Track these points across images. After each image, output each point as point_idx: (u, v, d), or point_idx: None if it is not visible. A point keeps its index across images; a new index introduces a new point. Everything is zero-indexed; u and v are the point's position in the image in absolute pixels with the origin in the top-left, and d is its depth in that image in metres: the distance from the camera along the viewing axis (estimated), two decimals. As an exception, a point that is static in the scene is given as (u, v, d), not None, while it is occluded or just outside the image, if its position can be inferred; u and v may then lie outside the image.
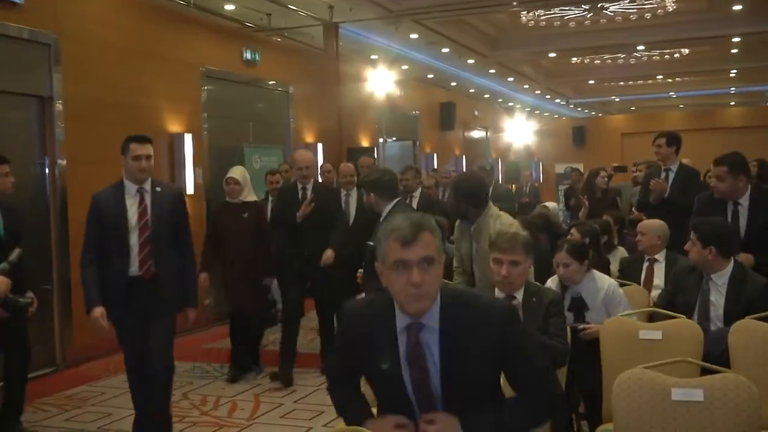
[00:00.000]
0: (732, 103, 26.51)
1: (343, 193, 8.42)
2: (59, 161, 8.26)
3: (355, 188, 8.41)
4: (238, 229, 7.18)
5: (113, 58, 9.13)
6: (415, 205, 8.56)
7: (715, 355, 4.14)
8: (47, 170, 8.23)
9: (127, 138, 5.15)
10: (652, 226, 5.91)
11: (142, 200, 5.04)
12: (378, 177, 6.08)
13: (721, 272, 4.71)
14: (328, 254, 7.02)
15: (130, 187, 5.05)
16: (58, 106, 8.37)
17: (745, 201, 5.53)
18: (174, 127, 10.25)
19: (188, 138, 10.28)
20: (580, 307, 4.82)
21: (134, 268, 4.98)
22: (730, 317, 4.48)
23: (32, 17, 8.03)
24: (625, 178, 14.40)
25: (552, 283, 4.95)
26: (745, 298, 4.62)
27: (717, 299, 4.69)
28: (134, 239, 4.98)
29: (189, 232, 5.39)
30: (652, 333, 4.13)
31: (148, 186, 5.08)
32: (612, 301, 4.83)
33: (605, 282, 4.90)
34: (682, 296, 4.88)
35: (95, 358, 8.06)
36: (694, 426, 2.93)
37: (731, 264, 4.72)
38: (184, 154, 10.21)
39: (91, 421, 6.27)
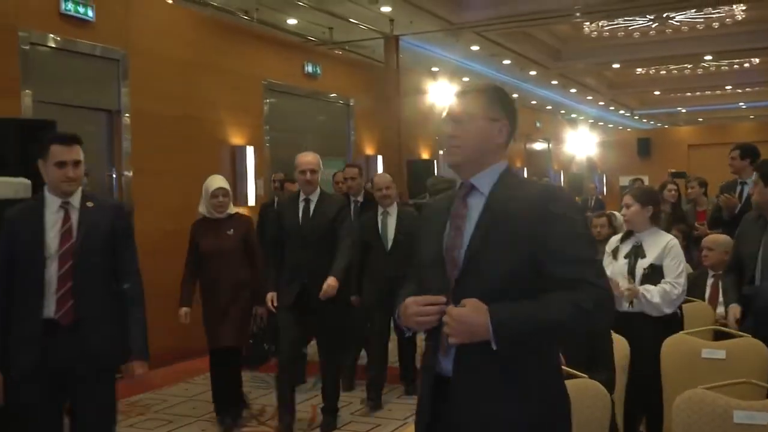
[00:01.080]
0: None
1: (380, 210, 6.87)
2: (126, 172, 8.54)
3: (395, 204, 6.96)
4: (223, 249, 5.98)
5: (178, 72, 9.40)
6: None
7: None
8: (115, 181, 8.52)
9: (48, 138, 4.02)
10: (720, 241, 5.77)
11: (66, 219, 3.83)
12: (447, 188, 5.68)
13: None
14: (330, 284, 5.55)
15: (53, 202, 3.85)
16: (126, 119, 8.66)
17: None
18: (236, 139, 10.50)
19: (250, 150, 10.54)
20: (636, 254, 4.66)
21: (50, 310, 3.74)
22: None
23: (103, 34, 8.35)
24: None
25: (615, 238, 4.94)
26: None
27: None
28: (52, 271, 3.78)
29: (134, 260, 4.09)
30: (715, 352, 3.99)
31: (76, 201, 3.88)
32: (669, 254, 4.64)
33: (668, 237, 4.78)
34: (746, 247, 4.69)
35: (157, 367, 8.28)
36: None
37: None
38: (246, 166, 10.46)
39: (154, 428, 6.41)
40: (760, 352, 3.91)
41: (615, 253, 4.73)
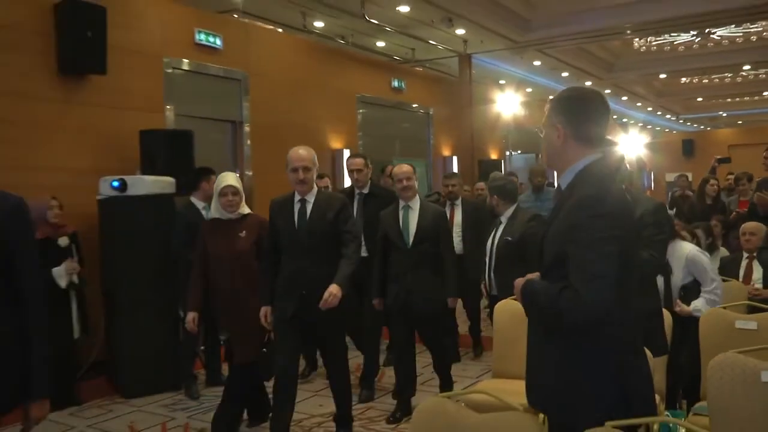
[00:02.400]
0: None
1: (401, 204, 5.46)
2: (247, 172, 8.93)
3: (417, 198, 5.55)
4: (235, 253, 4.73)
5: (288, 89, 9.74)
6: (459, 211, 6.96)
7: None
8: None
9: None
10: (761, 227, 5.73)
11: None
12: (504, 184, 5.63)
13: None
14: (332, 292, 4.31)
15: None
16: (246, 128, 9.07)
17: None
18: (335, 144, 10.82)
19: (346, 153, 10.79)
20: (665, 272, 4.51)
21: None
22: None
23: (228, 59, 8.76)
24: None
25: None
26: None
27: None
28: None
29: (32, 269, 2.82)
30: (747, 323, 3.95)
31: None
32: (695, 266, 4.64)
33: (687, 247, 4.73)
34: None
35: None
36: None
37: None
38: (343, 167, 10.79)
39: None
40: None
41: None
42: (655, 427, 2.89)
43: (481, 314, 7.55)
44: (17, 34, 6.48)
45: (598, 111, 2.44)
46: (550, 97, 2.55)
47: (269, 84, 9.43)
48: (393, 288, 5.32)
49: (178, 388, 6.23)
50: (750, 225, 5.81)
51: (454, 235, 6.44)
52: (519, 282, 2.43)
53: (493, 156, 15.87)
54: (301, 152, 4.54)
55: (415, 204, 5.40)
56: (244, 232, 4.76)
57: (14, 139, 6.34)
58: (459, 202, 7.02)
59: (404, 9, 10.35)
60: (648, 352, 2.74)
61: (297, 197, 4.56)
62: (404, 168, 5.46)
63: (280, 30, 10.59)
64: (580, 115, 2.42)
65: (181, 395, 6.15)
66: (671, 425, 2.97)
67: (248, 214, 4.84)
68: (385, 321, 5.86)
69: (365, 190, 6.09)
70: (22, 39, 6.51)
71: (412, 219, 5.35)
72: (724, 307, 4.25)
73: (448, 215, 6.42)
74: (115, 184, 6.27)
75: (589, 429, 2.11)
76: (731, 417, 2.83)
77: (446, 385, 5.53)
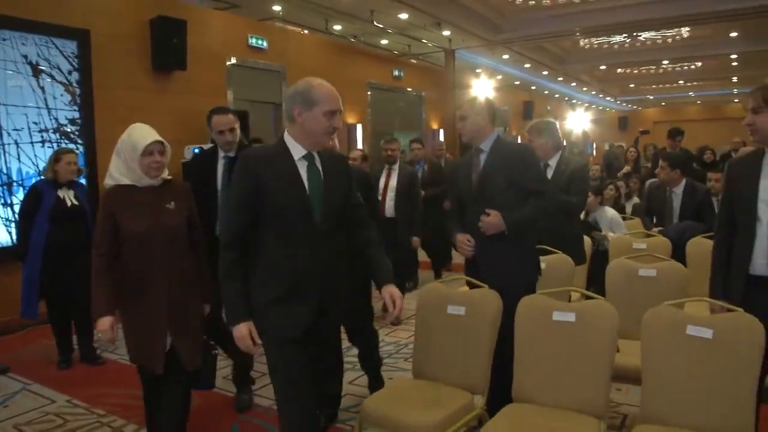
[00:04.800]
0: (736, 100, 25.46)
1: (384, 175, 5.36)
2: (285, 143, 9.32)
3: (396, 164, 5.49)
4: (166, 231, 2.80)
5: (316, 77, 10.07)
6: (395, 176, 5.70)
7: (675, 240, 4.33)
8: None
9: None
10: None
11: None
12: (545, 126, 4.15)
13: (678, 186, 4.81)
14: (395, 296, 2.40)
15: None
16: (284, 108, 9.46)
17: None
18: (351, 119, 11.17)
19: (359, 127, 11.29)
20: (588, 226, 4.99)
21: None
22: (683, 216, 4.69)
23: (271, 56, 9.14)
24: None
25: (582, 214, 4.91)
26: (695, 202, 4.65)
27: (676, 205, 4.78)
28: None
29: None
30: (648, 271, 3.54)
31: None
32: (613, 223, 5.15)
33: (610, 212, 5.28)
34: (654, 204, 5.01)
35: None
36: (567, 342, 2.55)
37: (684, 181, 4.79)
38: (356, 137, 11.28)
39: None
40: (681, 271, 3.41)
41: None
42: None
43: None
44: (123, 42, 6.91)
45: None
46: (471, 97, 3.23)
47: (302, 74, 9.33)
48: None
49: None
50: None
51: (387, 198, 5.63)
52: (498, 219, 2.89)
53: (470, 129, 16.03)
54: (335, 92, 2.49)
55: (395, 169, 5.59)
56: (172, 203, 2.84)
57: (122, 119, 6.82)
58: (396, 166, 5.78)
59: (404, 16, 10.51)
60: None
61: (302, 152, 2.33)
62: (394, 144, 5.61)
63: (307, 32, 10.85)
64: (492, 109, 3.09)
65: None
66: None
67: (171, 180, 2.90)
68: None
69: (232, 153, 3.64)
70: (127, 45, 6.94)
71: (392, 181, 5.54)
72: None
73: (384, 178, 5.72)
74: (196, 150, 6.73)
75: (525, 295, 2.74)
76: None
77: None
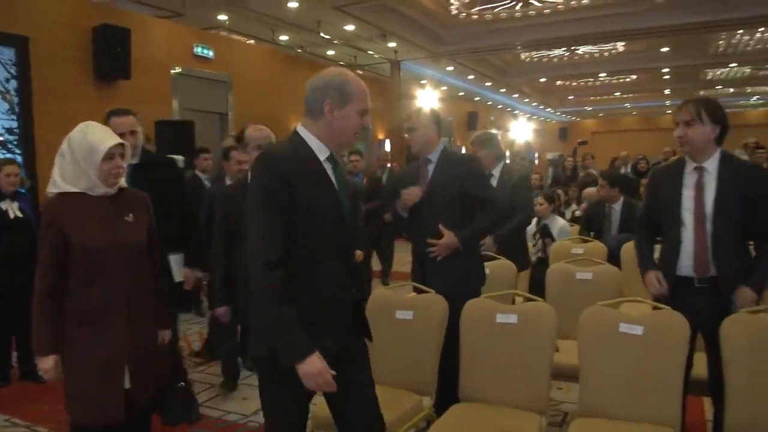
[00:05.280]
0: (668, 112, 26.27)
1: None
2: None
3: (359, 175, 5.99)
4: (126, 246, 2.33)
5: (261, 87, 10.04)
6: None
7: (614, 249, 4.52)
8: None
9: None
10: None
11: None
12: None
13: (617, 203, 5.11)
14: None
15: None
16: (230, 118, 9.38)
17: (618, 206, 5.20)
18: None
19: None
20: (546, 232, 5.18)
21: None
22: (622, 229, 4.97)
23: (217, 65, 9.13)
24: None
25: (534, 221, 5.18)
26: (632, 217, 4.80)
27: (615, 219, 5.08)
28: None
29: None
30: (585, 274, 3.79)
31: None
32: (562, 231, 5.32)
33: (560, 221, 5.46)
34: (594, 218, 5.28)
35: None
36: (509, 342, 2.63)
37: (622, 198, 5.11)
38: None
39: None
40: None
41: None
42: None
43: None
44: (65, 50, 6.80)
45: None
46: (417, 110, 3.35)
47: (248, 84, 9.70)
48: None
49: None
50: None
51: None
52: (452, 240, 2.98)
53: (416, 139, 16.14)
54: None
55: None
56: (131, 215, 2.42)
57: (63, 129, 6.69)
58: (361, 176, 6.66)
59: (350, 27, 10.66)
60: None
61: (326, 153, 2.04)
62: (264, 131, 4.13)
63: (254, 42, 10.83)
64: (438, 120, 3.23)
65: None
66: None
67: (127, 189, 2.47)
68: None
69: (135, 160, 3.11)
70: (68, 53, 6.84)
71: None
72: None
73: None
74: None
75: (471, 299, 2.86)
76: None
77: None
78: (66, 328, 2.26)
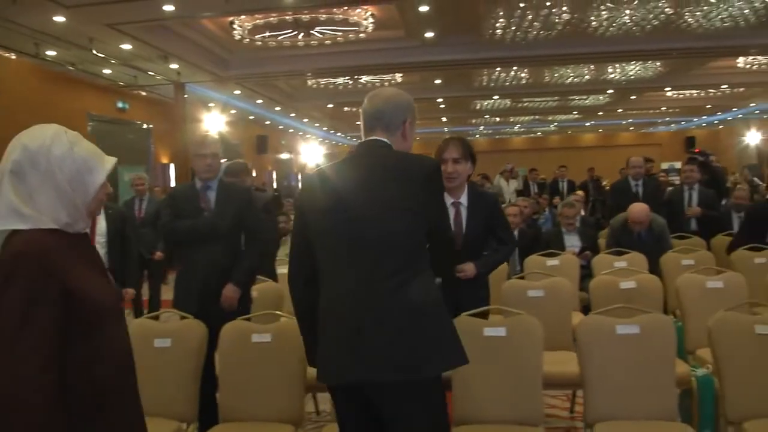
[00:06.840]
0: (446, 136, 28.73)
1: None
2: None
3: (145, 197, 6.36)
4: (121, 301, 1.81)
5: (24, 106, 9.26)
6: (143, 206, 6.66)
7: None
8: None
9: None
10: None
11: None
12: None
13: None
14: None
15: None
16: None
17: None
18: None
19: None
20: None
21: None
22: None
23: None
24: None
25: None
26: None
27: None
28: None
29: None
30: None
31: None
32: None
33: None
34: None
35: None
36: (495, 354, 2.73)
37: None
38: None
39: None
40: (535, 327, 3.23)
41: None
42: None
43: None
44: None
45: None
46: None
47: (12, 101, 9.02)
48: None
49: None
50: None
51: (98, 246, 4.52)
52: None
53: (204, 163, 15.84)
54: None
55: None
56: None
57: None
58: (146, 197, 6.83)
59: (127, 46, 10.29)
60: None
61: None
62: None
63: (13, 56, 9.96)
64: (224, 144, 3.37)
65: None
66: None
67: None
68: None
69: None
70: None
71: None
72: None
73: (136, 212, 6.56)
74: None
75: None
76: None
77: None
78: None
